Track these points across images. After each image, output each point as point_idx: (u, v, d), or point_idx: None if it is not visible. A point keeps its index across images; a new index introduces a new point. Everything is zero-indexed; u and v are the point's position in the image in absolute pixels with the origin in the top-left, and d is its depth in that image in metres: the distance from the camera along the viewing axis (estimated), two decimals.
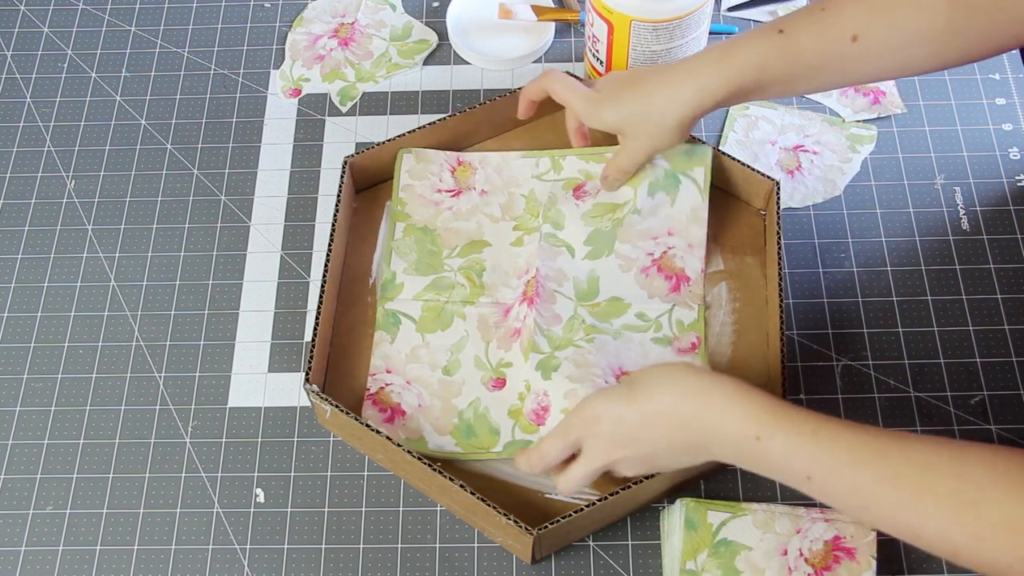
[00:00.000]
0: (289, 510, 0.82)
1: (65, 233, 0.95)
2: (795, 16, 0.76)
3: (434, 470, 0.76)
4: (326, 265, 0.85)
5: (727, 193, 0.93)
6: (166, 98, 1.03)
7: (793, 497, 0.80)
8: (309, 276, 0.92)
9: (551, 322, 0.86)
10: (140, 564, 0.80)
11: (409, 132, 0.93)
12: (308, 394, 0.80)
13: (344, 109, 1.01)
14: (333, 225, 0.87)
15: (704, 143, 0.91)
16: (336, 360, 0.86)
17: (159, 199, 0.97)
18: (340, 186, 0.89)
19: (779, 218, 0.87)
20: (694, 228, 0.89)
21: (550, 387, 0.82)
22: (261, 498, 0.82)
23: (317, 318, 0.83)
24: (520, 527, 0.73)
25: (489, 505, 0.74)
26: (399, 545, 0.80)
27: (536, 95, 0.88)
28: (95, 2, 1.10)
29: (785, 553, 0.75)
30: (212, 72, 1.04)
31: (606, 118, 0.82)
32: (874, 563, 0.74)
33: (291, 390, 0.87)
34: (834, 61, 0.74)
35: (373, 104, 1.01)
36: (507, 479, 0.81)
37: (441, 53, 1.05)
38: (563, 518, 0.74)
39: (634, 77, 0.81)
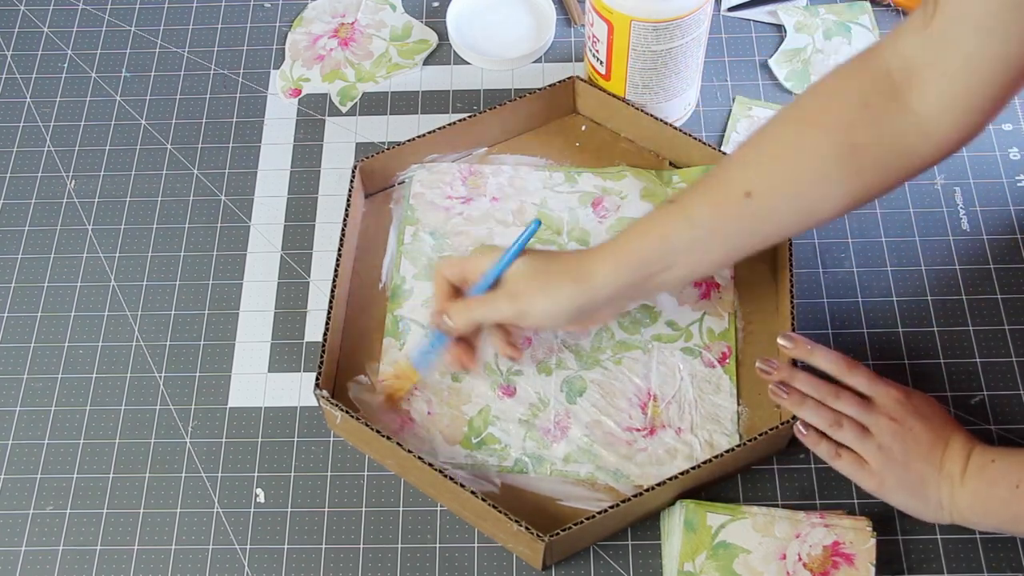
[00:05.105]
0: (289, 510, 0.82)
1: (65, 233, 0.95)
2: (687, 187, 0.75)
3: (445, 476, 0.76)
4: (336, 270, 0.85)
5: None
6: (166, 98, 1.03)
7: (793, 501, 0.80)
8: (309, 276, 0.92)
9: (578, 335, 0.86)
10: (140, 564, 0.80)
11: (419, 136, 0.92)
12: (318, 400, 0.80)
13: (344, 109, 1.01)
14: (343, 230, 0.87)
15: (714, 148, 0.91)
16: (345, 365, 0.86)
17: (159, 199, 0.97)
18: (350, 190, 0.89)
19: None
20: None
21: (574, 410, 0.83)
22: (261, 498, 0.82)
23: (327, 323, 0.83)
24: (532, 534, 0.73)
25: (501, 512, 0.74)
26: (399, 545, 0.80)
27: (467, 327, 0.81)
28: (95, 2, 1.10)
29: (784, 557, 0.75)
30: (212, 72, 1.04)
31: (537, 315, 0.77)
32: (873, 569, 0.74)
33: (291, 390, 0.87)
34: (733, 223, 0.74)
35: (373, 104, 1.01)
36: (518, 485, 0.81)
37: (441, 53, 1.04)
38: (574, 525, 0.74)
39: (540, 272, 0.77)
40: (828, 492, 0.80)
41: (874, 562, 0.74)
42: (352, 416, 0.79)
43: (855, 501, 0.80)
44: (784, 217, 0.74)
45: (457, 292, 0.82)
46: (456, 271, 0.81)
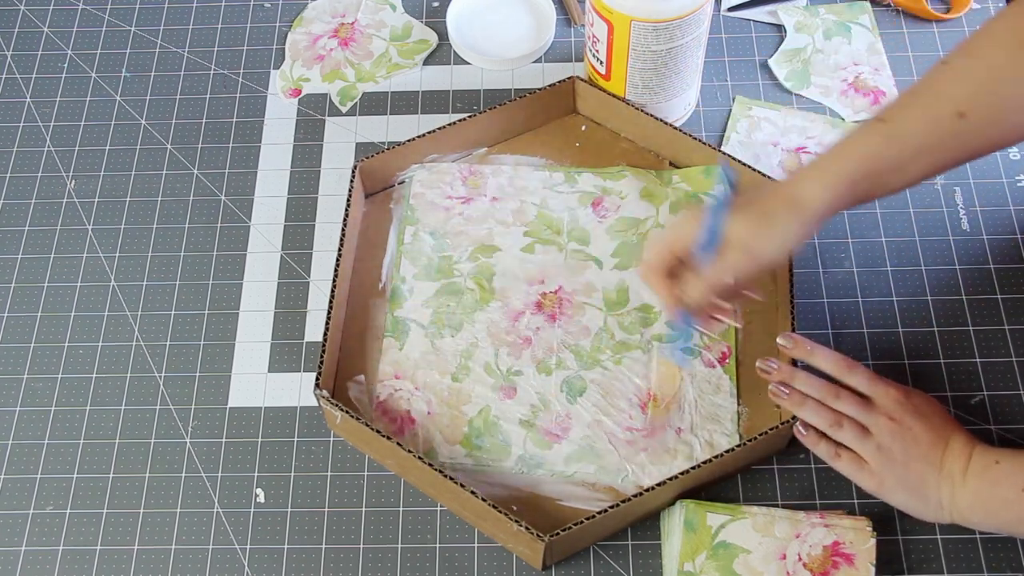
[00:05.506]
0: (289, 510, 0.82)
1: (65, 233, 0.95)
2: (895, 103, 0.75)
3: (445, 476, 0.76)
4: (336, 269, 0.85)
5: None
6: (166, 98, 1.03)
7: (793, 501, 0.80)
8: (309, 276, 0.92)
9: (578, 336, 0.86)
10: (140, 564, 0.80)
11: (419, 136, 0.92)
12: (318, 399, 0.80)
13: (344, 109, 1.01)
14: (343, 230, 0.87)
15: (714, 148, 0.91)
16: (345, 365, 0.86)
17: (159, 199, 0.97)
18: (350, 190, 0.89)
19: None
20: None
21: (574, 410, 0.83)
22: (261, 498, 0.82)
23: (327, 322, 0.83)
24: (532, 534, 0.73)
25: (501, 512, 0.74)
26: (399, 545, 0.80)
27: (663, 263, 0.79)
28: (95, 2, 1.10)
29: (784, 557, 0.75)
30: (212, 72, 1.04)
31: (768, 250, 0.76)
32: (873, 569, 0.74)
33: (291, 390, 0.87)
34: (944, 142, 0.74)
35: (373, 104, 1.01)
36: (518, 485, 0.81)
37: (441, 53, 1.04)
38: (574, 525, 0.74)
39: (756, 216, 0.76)
40: (828, 492, 0.80)
41: (874, 562, 0.74)
42: (352, 416, 0.79)
43: (855, 501, 0.80)
44: (995, 137, 0.74)
45: (672, 276, 0.79)
46: (664, 255, 0.78)
